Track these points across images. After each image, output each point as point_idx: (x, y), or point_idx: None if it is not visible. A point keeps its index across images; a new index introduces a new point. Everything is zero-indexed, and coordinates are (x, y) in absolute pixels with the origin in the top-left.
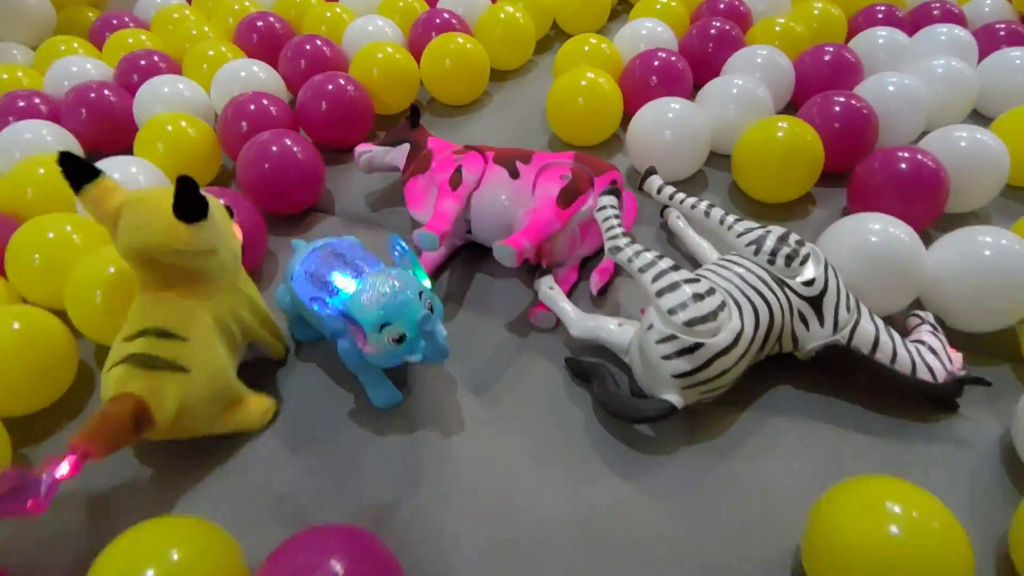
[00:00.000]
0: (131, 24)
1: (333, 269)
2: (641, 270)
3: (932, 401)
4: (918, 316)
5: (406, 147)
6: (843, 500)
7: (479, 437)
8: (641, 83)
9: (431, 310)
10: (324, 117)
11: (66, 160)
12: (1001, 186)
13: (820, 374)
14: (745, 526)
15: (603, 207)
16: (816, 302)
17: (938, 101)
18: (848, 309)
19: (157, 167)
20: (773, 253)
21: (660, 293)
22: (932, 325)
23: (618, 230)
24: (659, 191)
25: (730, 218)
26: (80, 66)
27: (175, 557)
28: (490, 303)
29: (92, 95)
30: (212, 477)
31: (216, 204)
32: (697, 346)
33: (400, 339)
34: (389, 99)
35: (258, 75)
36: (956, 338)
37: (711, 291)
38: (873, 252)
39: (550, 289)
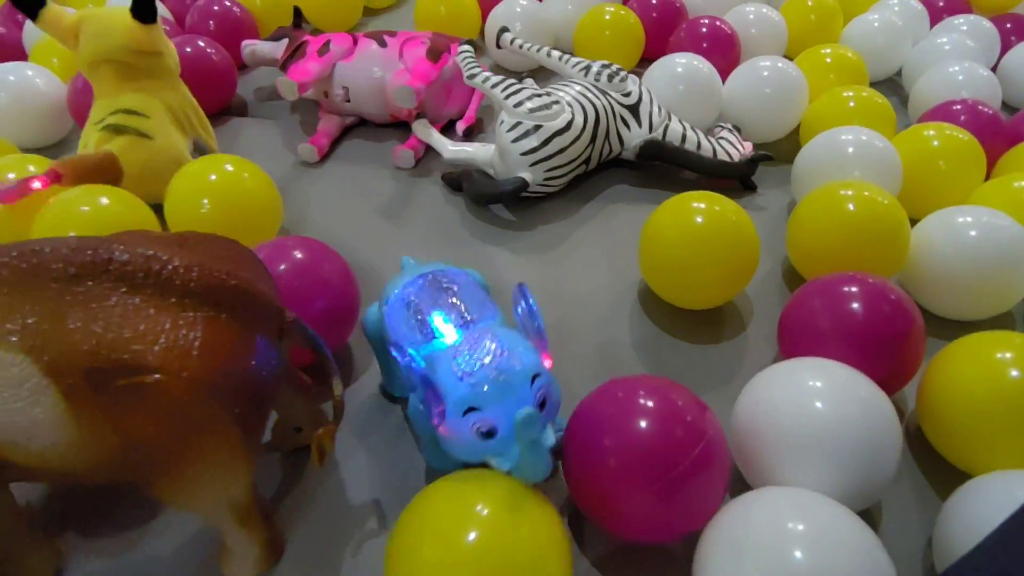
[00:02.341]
0: None
1: (437, 307)
2: (492, 86)
3: (735, 178)
4: (721, 125)
5: (286, 42)
6: (664, 211)
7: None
8: None
9: (543, 406)
10: (212, 36)
11: None
12: (782, 52)
13: (646, 167)
14: (599, 265)
15: (461, 51)
16: (634, 109)
17: None
18: (659, 115)
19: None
20: (598, 73)
21: (507, 96)
22: (730, 128)
23: (474, 64)
24: (511, 43)
25: (566, 55)
26: None
27: None
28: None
29: None
30: None
31: (160, 19)
32: (537, 127)
33: (489, 433)
34: (274, 25)
35: None
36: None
37: (548, 93)
38: (678, 78)
39: (425, 127)
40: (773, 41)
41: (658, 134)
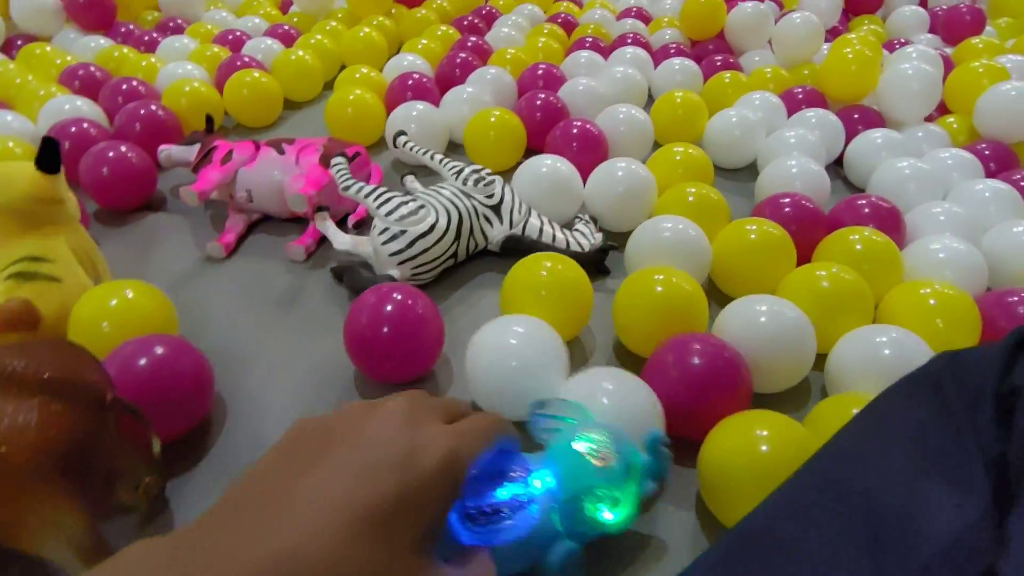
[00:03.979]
0: None
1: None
2: (365, 196)
3: (590, 265)
4: (580, 217)
5: (198, 146)
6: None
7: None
8: (399, 96)
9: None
10: (138, 136)
11: None
12: (649, 145)
13: (511, 259)
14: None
15: (334, 165)
16: (496, 208)
17: (618, 95)
18: (520, 212)
19: None
20: (467, 177)
21: (379, 206)
22: (587, 220)
23: (347, 177)
24: (404, 145)
25: (446, 159)
26: None
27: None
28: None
29: None
30: None
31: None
32: (402, 232)
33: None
34: (198, 124)
35: (81, 108)
36: (612, 235)
37: (413, 200)
38: (543, 177)
39: (323, 219)
40: (641, 138)
41: (518, 230)
